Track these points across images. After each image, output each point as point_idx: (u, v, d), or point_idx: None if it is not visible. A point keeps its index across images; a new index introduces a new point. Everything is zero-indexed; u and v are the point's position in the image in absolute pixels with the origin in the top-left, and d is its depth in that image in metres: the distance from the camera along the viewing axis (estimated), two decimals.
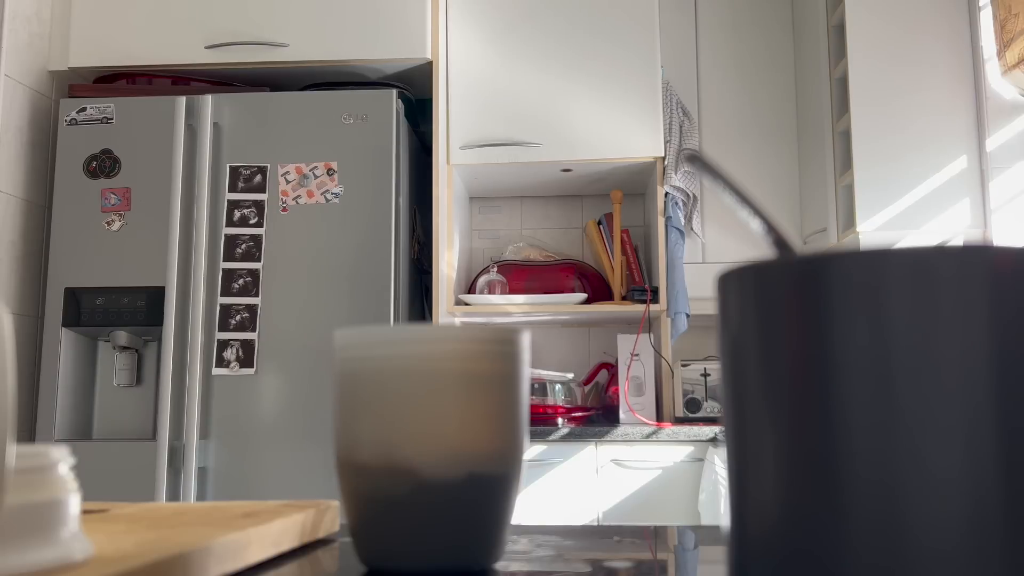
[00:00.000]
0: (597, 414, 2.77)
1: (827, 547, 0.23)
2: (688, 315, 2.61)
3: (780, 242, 0.33)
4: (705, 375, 2.62)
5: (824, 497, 0.24)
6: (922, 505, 0.22)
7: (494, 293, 2.69)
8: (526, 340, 0.42)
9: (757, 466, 0.26)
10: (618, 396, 2.64)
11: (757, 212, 0.33)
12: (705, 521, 2.22)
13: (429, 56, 2.46)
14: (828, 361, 0.24)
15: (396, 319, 2.27)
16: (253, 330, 2.25)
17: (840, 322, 0.24)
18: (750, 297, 0.27)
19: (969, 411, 0.22)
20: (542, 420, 2.54)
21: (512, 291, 2.70)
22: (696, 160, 0.34)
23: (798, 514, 0.24)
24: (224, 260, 2.28)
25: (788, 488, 0.25)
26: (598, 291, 2.76)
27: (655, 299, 2.62)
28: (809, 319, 0.24)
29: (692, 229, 2.75)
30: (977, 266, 0.23)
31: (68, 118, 2.36)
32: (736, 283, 0.28)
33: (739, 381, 0.27)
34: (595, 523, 2.45)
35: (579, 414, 2.59)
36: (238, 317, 2.26)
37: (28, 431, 2.33)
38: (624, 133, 2.62)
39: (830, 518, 0.23)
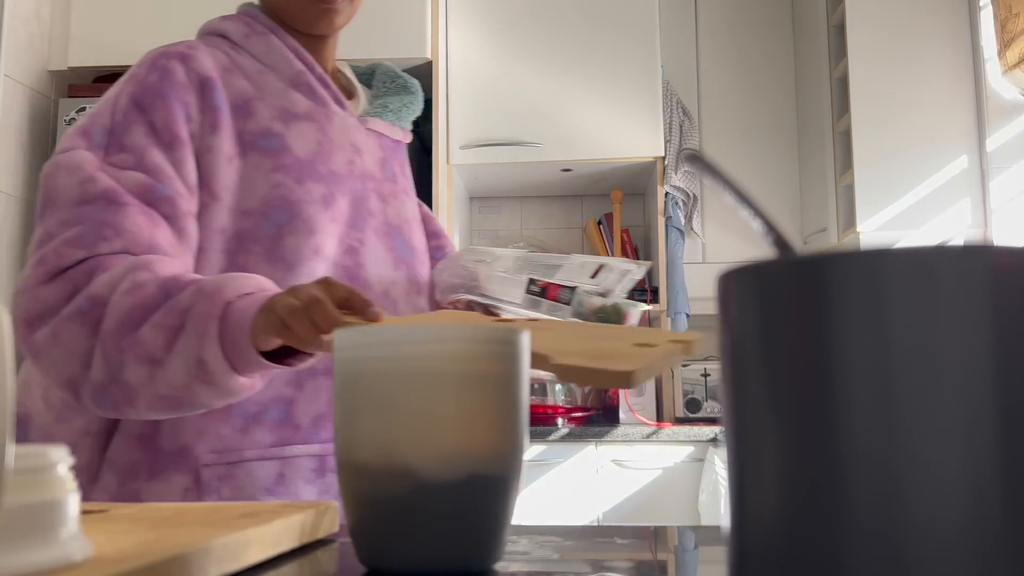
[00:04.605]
0: (597, 414, 2.77)
1: (827, 548, 0.23)
2: (688, 315, 2.61)
3: (780, 242, 0.33)
4: (705, 375, 2.62)
5: (824, 497, 0.24)
6: (923, 506, 0.22)
7: None
8: (526, 340, 0.42)
9: (757, 466, 0.26)
10: (618, 396, 2.64)
11: (757, 212, 0.33)
12: (705, 522, 2.22)
13: (429, 56, 2.46)
14: (829, 361, 0.24)
15: None
16: None
17: (840, 322, 0.24)
18: (750, 297, 0.27)
19: (970, 411, 0.22)
20: (542, 420, 2.54)
21: None
22: (696, 160, 0.34)
23: (798, 515, 0.24)
24: None
25: (788, 489, 0.25)
26: None
27: (655, 299, 2.62)
28: (809, 319, 0.24)
29: (692, 229, 2.75)
30: (977, 266, 0.23)
31: (67, 118, 2.36)
32: (736, 283, 0.28)
33: (739, 381, 0.27)
34: (595, 523, 2.45)
35: (579, 414, 2.59)
36: None
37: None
38: (624, 133, 2.61)
39: (830, 518, 0.23)
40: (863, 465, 0.23)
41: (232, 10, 1.00)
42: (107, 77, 2.53)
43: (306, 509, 0.45)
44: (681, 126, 2.72)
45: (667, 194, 2.65)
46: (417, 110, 1.10)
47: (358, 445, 0.38)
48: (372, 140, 1.02)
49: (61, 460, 0.33)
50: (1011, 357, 0.23)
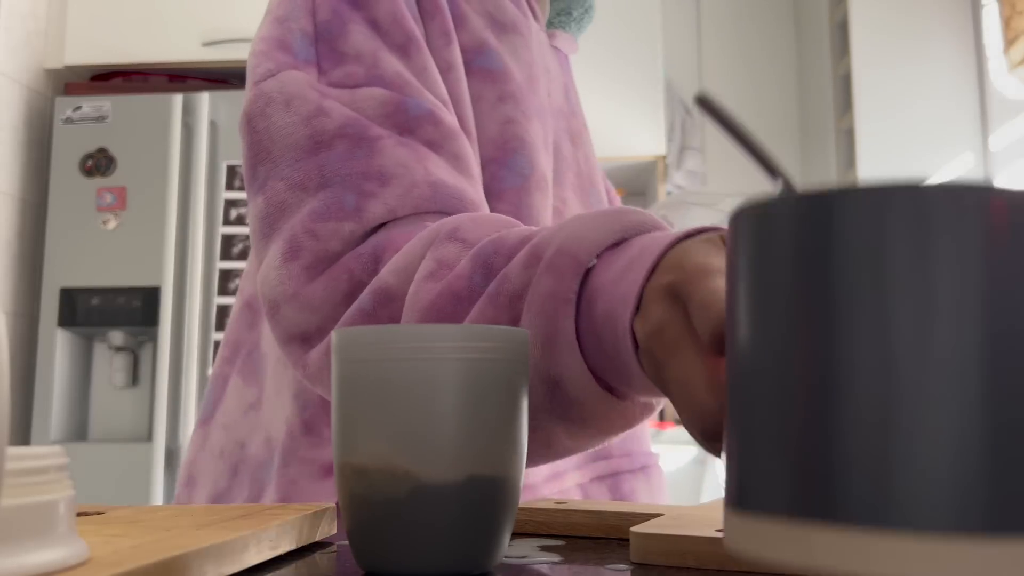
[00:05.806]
0: None
1: (820, 474, 0.24)
2: None
3: (788, 189, 0.32)
4: None
5: (818, 428, 0.24)
6: (913, 437, 0.23)
7: None
8: (528, 339, 0.41)
9: (752, 388, 0.26)
10: None
11: (765, 159, 0.32)
12: None
13: None
14: (830, 297, 0.24)
15: None
16: None
17: (841, 261, 0.24)
18: (755, 234, 0.27)
19: (960, 347, 0.23)
20: None
21: None
22: (705, 102, 0.33)
23: (793, 440, 0.24)
24: (221, 260, 2.27)
25: (783, 421, 0.25)
26: None
27: None
28: (812, 257, 0.25)
29: None
30: (974, 204, 0.24)
31: (64, 116, 2.35)
32: (745, 221, 0.27)
33: (739, 319, 0.27)
34: None
35: None
36: None
37: (23, 433, 2.32)
38: (625, 131, 2.61)
39: (825, 444, 0.24)
40: (858, 399, 0.23)
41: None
42: (104, 75, 2.52)
43: (304, 511, 0.45)
44: (683, 124, 2.72)
45: (669, 193, 2.64)
46: (592, 15, 0.86)
47: (356, 446, 0.38)
48: (555, 61, 0.79)
49: (57, 461, 0.32)
50: (1006, 296, 0.23)
